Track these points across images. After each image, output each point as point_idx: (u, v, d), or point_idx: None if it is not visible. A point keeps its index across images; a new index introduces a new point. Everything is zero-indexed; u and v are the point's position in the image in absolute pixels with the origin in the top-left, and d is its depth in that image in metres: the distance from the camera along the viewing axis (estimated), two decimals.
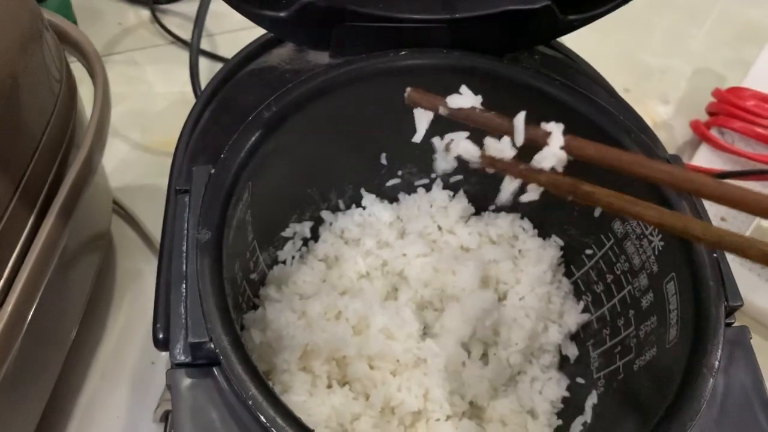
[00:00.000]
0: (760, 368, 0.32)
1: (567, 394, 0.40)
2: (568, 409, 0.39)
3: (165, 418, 0.41)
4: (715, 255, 0.33)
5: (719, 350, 0.30)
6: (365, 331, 0.39)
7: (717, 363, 0.30)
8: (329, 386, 0.37)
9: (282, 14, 0.37)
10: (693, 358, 0.30)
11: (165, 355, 0.45)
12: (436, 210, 0.45)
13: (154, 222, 0.51)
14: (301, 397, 0.36)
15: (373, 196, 0.45)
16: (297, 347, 0.37)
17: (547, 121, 0.38)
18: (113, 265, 0.50)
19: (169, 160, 0.37)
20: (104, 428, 0.43)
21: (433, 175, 0.45)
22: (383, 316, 0.39)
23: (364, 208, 0.45)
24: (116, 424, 0.43)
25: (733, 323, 0.33)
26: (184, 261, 0.31)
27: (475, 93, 0.39)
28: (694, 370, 0.30)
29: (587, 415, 0.38)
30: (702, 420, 0.29)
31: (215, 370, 0.28)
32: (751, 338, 0.33)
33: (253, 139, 0.34)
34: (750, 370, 0.32)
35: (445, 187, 0.46)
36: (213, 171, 0.33)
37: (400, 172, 0.45)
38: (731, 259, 0.50)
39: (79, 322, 0.44)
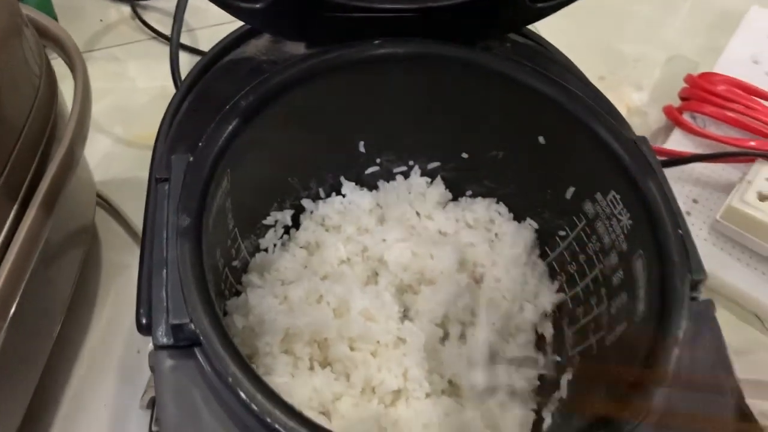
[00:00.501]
0: (727, 341, 0.33)
1: (543, 371, 0.41)
2: (545, 386, 0.40)
3: (152, 404, 0.42)
4: (679, 231, 0.34)
5: (683, 321, 0.31)
6: (346, 314, 0.40)
7: (681, 334, 0.31)
8: (311, 368, 0.38)
9: (258, 5, 0.38)
10: (659, 330, 0.31)
11: (151, 344, 0.46)
12: (414, 196, 0.46)
13: (138, 215, 0.51)
14: (283, 378, 0.37)
15: (353, 184, 0.46)
16: (279, 330, 0.38)
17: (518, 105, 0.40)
18: (98, 258, 0.50)
19: (151, 154, 0.38)
20: (92, 417, 0.43)
21: (410, 162, 0.46)
22: (363, 300, 0.40)
23: (344, 195, 0.46)
24: (104, 413, 0.43)
25: (698, 297, 0.34)
26: (165, 247, 0.32)
27: (448, 80, 0.41)
28: (659, 342, 0.31)
29: (563, 391, 0.39)
30: (669, 390, 0.31)
31: (197, 351, 0.29)
32: (716, 311, 0.34)
33: (231, 127, 0.34)
34: (715, 342, 0.33)
35: (423, 174, 0.47)
36: (191, 159, 0.33)
37: (378, 160, 0.46)
38: (703, 238, 0.52)
39: (65, 314, 0.44)
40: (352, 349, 0.39)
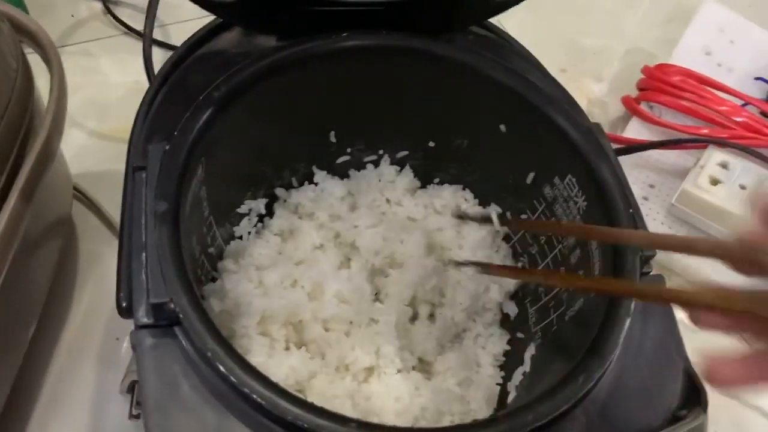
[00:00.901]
0: (675, 312, 0.36)
1: (508, 347, 0.43)
2: (510, 362, 0.42)
3: (132, 388, 0.43)
4: (631, 210, 0.36)
5: None
6: (320, 297, 0.41)
7: (632, 305, 0.33)
8: (287, 348, 0.40)
9: (231, 0, 0.40)
10: (612, 303, 0.34)
11: (129, 330, 0.47)
12: (384, 184, 0.48)
13: (114, 206, 0.52)
14: (260, 358, 0.38)
15: (325, 172, 0.48)
16: (255, 313, 0.39)
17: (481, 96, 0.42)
18: (76, 249, 0.51)
19: (126, 146, 0.39)
20: (73, 402, 0.44)
21: (380, 151, 0.48)
22: (337, 283, 0.42)
23: (316, 184, 0.48)
24: (84, 398, 0.44)
25: (649, 272, 0.36)
26: (144, 232, 0.33)
27: (414, 71, 0.43)
28: (612, 314, 0.33)
29: (526, 366, 0.41)
30: (622, 358, 0.33)
31: (176, 330, 0.31)
32: (665, 284, 0.37)
33: (205, 117, 0.36)
34: (664, 313, 0.36)
35: (392, 163, 0.49)
36: (167, 148, 0.35)
37: (349, 149, 0.47)
38: (660, 221, 0.55)
39: (44, 304, 0.45)
40: (326, 329, 0.41)
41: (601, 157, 0.38)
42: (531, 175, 0.42)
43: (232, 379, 0.28)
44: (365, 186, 0.48)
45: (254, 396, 0.28)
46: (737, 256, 0.27)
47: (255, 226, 0.46)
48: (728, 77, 0.60)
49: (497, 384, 0.42)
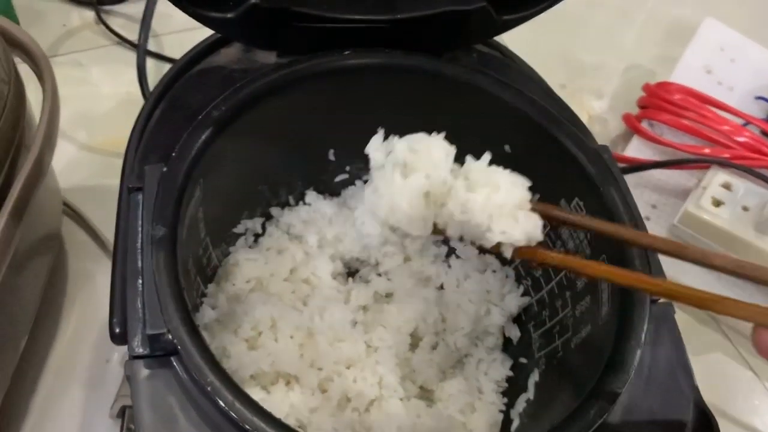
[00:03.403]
0: (684, 342, 0.35)
1: (511, 373, 0.42)
2: (513, 388, 0.41)
3: (122, 413, 0.41)
4: None
5: (645, 324, 0.33)
6: (312, 346, 0.40)
7: (643, 336, 0.32)
8: (288, 383, 0.39)
9: (230, 15, 0.38)
10: (622, 332, 0.33)
11: (119, 352, 0.46)
12: None
13: (103, 222, 0.51)
14: (258, 395, 0.37)
15: (315, 192, 0.47)
16: (244, 372, 0.38)
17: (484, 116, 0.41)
18: (65, 266, 0.50)
19: (117, 160, 0.38)
20: (60, 426, 0.43)
21: None
22: (330, 324, 0.40)
23: (309, 204, 0.46)
24: (72, 422, 0.43)
25: (659, 300, 0.36)
26: (140, 257, 0.32)
27: (415, 90, 0.42)
28: (623, 343, 0.32)
29: (530, 392, 0.40)
30: (631, 387, 0.32)
31: (173, 360, 0.29)
32: (675, 313, 0.36)
33: (203, 137, 0.35)
34: (674, 342, 0.35)
35: None
36: (165, 169, 0.34)
37: (347, 168, 0.46)
38: None
39: (33, 323, 0.44)
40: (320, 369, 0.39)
41: (610, 181, 0.37)
42: (535, 197, 0.41)
43: (233, 414, 0.27)
44: (353, 203, 0.47)
45: None
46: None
47: (251, 246, 0.45)
48: (729, 96, 0.60)
49: (500, 411, 0.41)
